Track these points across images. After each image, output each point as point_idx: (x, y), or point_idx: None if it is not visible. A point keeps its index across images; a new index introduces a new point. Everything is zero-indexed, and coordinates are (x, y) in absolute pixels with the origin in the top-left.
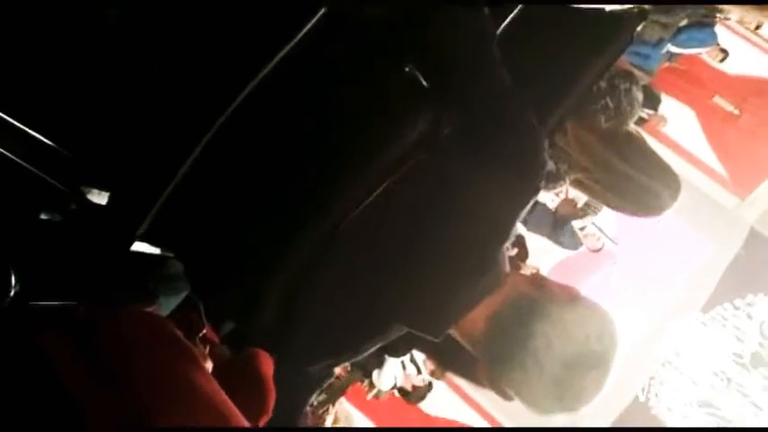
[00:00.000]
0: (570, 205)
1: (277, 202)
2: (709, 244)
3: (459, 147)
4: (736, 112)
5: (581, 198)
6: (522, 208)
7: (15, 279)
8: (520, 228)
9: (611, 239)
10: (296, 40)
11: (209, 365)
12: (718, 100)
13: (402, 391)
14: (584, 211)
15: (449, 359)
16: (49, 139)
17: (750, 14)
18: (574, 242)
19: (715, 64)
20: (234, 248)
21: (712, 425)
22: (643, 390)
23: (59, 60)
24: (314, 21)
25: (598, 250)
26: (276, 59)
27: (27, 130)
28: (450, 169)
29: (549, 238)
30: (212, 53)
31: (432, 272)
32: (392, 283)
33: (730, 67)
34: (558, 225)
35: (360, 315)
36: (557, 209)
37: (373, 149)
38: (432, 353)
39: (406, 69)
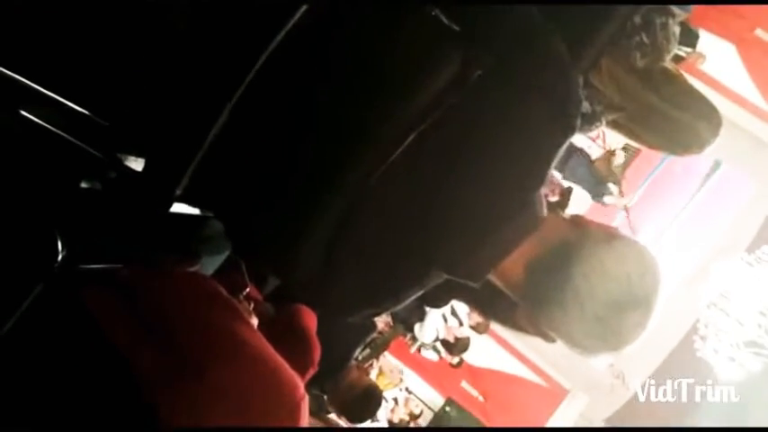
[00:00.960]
0: (609, 164)
1: (309, 157)
2: (753, 183)
3: (490, 88)
4: None
5: (619, 142)
6: (558, 149)
7: (62, 245)
8: (560, 178)
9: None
10: None
11: (254, 322)
12: (759, 33)
13: (445, 343)
14: (617, 176)
15: (489, 306)
16: (84, 109)
17: None
18: (602, 193)
19: None
20: (270, 205)
21: (759, 365)
22: (689, 332)
23: (89, 31)
24: None
25: (624, 208)
26: (298, 14)
27: (63, 100)
28: (482, 112)
29: (583, 187)
30: (235, 13)
31: (467, 216)
32: (429, 230)
33: None
34: (593, 179)
35: (398, 263)
36: (595, 161)
37: (404, 96)
38: (472, 301)
39: (433, 13)
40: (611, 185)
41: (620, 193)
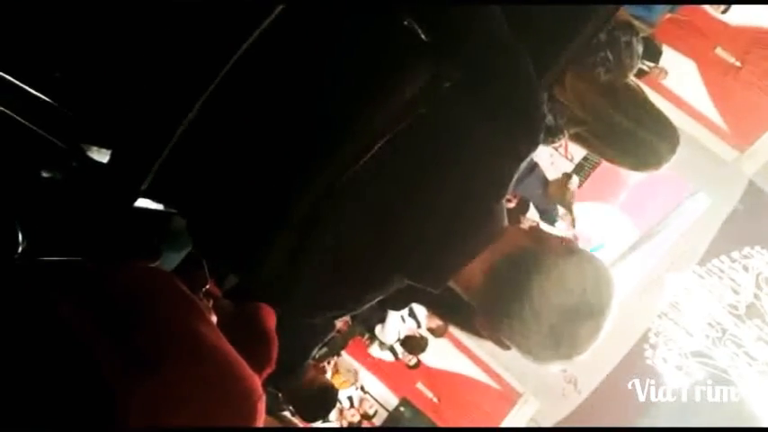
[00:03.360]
0: (562, 188)
1: (277, 157)
2: (707, 197)
3: (459, 100)
4: (738, 63)
5: (579, 154)
6: (521, 161)
7: (22, 236)
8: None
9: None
10: None
11: (213, 319)
12: (719, 52)
13: (404, 343)
14: (570, 200)
15: (448, 311)
16: (50, 98)
17: None
18: (552, 218)
19: (717, 15)
20: (235, 203)
21: (706, 375)
22: (639, 340)
23: (58, 18)
24: None
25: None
26: (274, 14)
27: (27, 88)
28: (449, 123)
29: (534, 205)
30: (212, 8)
31: (431, 224)
32: (392, 236)
33: (732, 18)
34: (546, 200)
35: (361, 267)
36: (550, 184)
37: (373, 104)
38: (431, 305)
39: (405, 23)
40: (561, 212)
41: (572, 222)
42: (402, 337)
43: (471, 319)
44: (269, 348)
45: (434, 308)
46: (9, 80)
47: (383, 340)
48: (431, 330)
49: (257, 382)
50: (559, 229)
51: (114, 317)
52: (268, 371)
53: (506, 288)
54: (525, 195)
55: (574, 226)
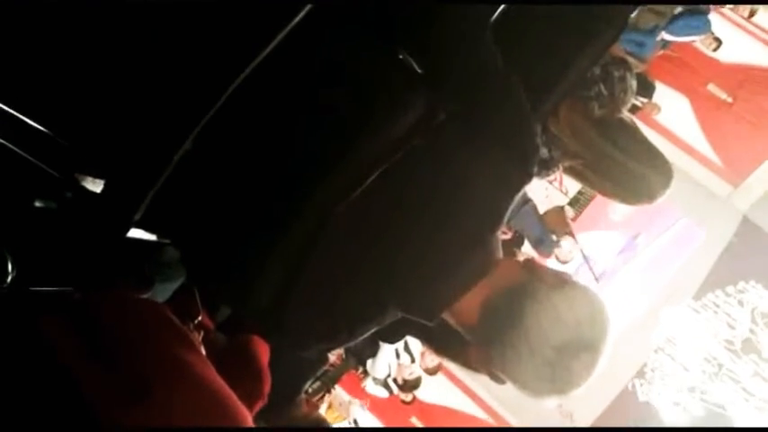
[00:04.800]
0: (559, 217)
1: (272, 188)
2: (701, 231)
3: (454, 132)
4: (730, 99)
5: (573, 188)
6: (515, 194)
7: (12, 265)
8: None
9: (586, 259)
10: (288, 28)
11: (204, 351)
12: (711, 88)
13: (396, 381)
14: (567, 228)
15: (442, 344)
16: (45, 127)
17: None
18: (549, 249)
19: (708, 52)
20: (229, 234)
21: (703, 411)
22: (635, 375)
23: (54, 48)
24: (307, 9)
25: (566, 263)
26: (269, 48)
27: (22, 117)
28: (445, 154)
29: (528, 238)
30: (206, 40)
31: (425, 255)
32: (387, 268)
33: (724, 55)
34: (541, 231)
35: (355, 299)
36: (545, 214)
37: (368, 136)
38: (425, 338)
39: (400, 57)
40: (561, 239)
41: (574, 241)
42: (393, 371)
43: (466, 354)
44: (260, 382)
45: (429, 342)
46: (4, 109)
47: (374, 375)
48: (425, 370)
49: (248, 415)
50: (562, 256)
51: (103, 347)
52: (259, 404)
53: (501, 321)
54: (519, 228)
55: (577, 242)
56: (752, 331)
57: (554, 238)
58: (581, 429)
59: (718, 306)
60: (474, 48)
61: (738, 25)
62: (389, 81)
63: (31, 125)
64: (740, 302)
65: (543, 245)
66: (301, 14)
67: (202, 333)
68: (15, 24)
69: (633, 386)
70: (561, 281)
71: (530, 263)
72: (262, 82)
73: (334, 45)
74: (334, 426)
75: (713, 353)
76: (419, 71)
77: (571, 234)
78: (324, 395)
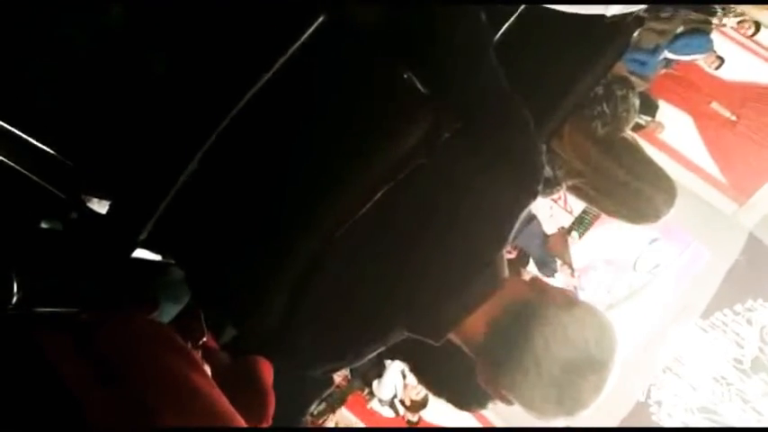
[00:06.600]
0: (561, 243)
1: (276, 209)
2: (707, 250)
3: (458, 151)
4: (734, 118)
5: (578, 207)
6: (521, 212)
7: (18, 286)
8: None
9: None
10: (293, 48)
11: (209, 371)
12: (715, 106)
13: (403, 403)
14: (567, 257)
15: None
16: (50, 148)
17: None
18: (551, 270)
19: (711, 71)
20: (234, 255)
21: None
22: (643, 395)
23: (59, 68)
24: (312, 29)
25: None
26: (275, 67)
27: (28, 138)
28: (449, 173)
29: (533, 258)
30: (211, 61)
31: (431, 274)
32: (392, 287)
33: (726, 73)
34: (542, 254)
35: (361, 319)
36: (549, 238)
37: (373, 156)
38: (414, 367)
39: (405, 77)
40: (560, 264)
41: (571, 274)
42: (400, 392)
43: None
44: (265, 403)
45: (417, 370)
46: (10, 130)
47: (379, 396)
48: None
49: None
50: (560, 279)
51: (108, 368)
52: (264, 426)
53: (508, 340)
54: (523, 247)
55: (573, 276)
56: (761, 350)
57: (558, 263)
58: (582, 429)
59: (726, 325)
60: (477, 66)
61: (740, 44)
62: (394, 99)
63: (36, 146)
64: (749, 321)
65: (545, 266)
66: (300, 40)
67: (207, 354)
68: (22, 43)
69: (642, 406)
70: (568, 300)
71: (536, 282)
72: (266, 105)
73: (337, 65)
74: None
75: (722, 372)
76: (423, 90)
77: (569, 265)
78: (329, 416)
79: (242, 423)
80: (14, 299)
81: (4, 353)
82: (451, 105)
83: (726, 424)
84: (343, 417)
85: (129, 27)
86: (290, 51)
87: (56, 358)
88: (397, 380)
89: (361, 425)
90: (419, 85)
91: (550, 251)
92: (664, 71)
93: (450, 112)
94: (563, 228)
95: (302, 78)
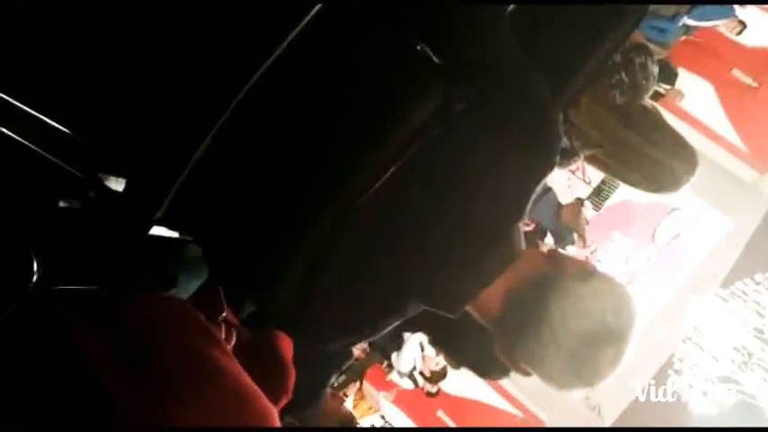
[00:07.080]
0: (574, 214)
1: (292, 183)
2: (728, 219)
3: (473, 122)
4: (755, 84)
5: (596, 177)
6: (537, 183)
7: (37, 265)
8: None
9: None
10: (306, 20)
11: (229, 347)
12: (736, 73)
13: (422, 372)
14: (580, 228)
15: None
16: (66, 128)
17: None
18: (567, 242)
19: (732, 36)
20: (251, 230)
21: (734, 401)
22: (663, 366)
23: (73, 47)
24: (317, 8)
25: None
26: (288, 39)
27: (43, 118)
28: (464, 145)
29: (547, 228)
30: (225, 35)
31: (447, 247)
32: (409, 260)
33: (748, 39)
34: (555, 225)
35: (378, 292)
36: (563, 209)
37: (387, 126)
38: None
39: (417, 48)
40: (574, 235)
41: (584, 245)
42: (419, 364)
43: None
44: (285, 377)
45: (437, 342)
46: (26, 110)
47: (398, 368)
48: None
49: (274, 411)
50: (572, 251)
51: (128, 345)
52: (284, 401)
53: (525, 312)
54: (538, 219)
55: (585, 247)
56: None
57: (571, 235)
58: (581, 429)
59: (746, 294)
60: (491, 36)
61: (763, 8)
62: (407, 70)
63: (52, 126)
64: None
65: (560, 237)
66: (312, 12)
67: (228, 329)
68: (36, 26)
69: (661, 377)
70: (586, 271)
71: (553, 253)
72: (279, 79)
73: (350, 38)
74: (365, 419)
75: (742, 342)
76: (437, 61)
77: (582, 236)
78: (349, 388)
79: (263, 399)
80: (35, 278)
81: (26, 330)
82: (465, 76)
83: (746, 393)
84: (368, 387)
85: (141, 9)
86: (303, 24)
87: (76, 335)
88: (416, 352)
89: (380, 396)
90: (432, 56)
91: (564, 222)
92: (684, 38)
93: (464, 84)
94: (579, 199)
95: (315, 51)
